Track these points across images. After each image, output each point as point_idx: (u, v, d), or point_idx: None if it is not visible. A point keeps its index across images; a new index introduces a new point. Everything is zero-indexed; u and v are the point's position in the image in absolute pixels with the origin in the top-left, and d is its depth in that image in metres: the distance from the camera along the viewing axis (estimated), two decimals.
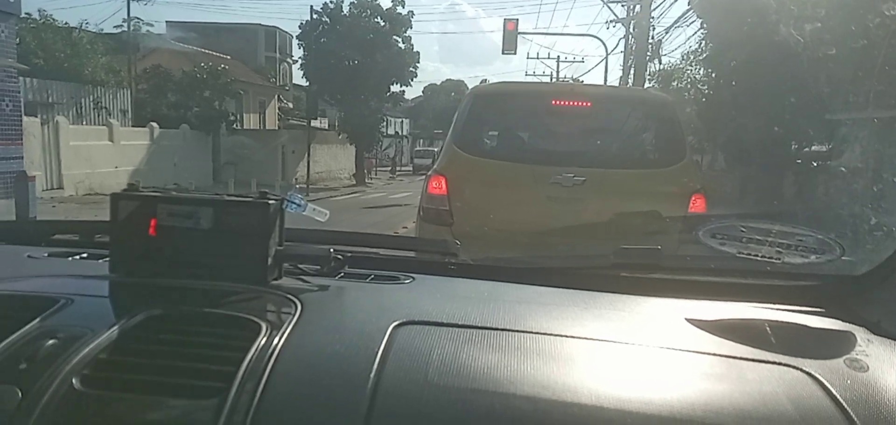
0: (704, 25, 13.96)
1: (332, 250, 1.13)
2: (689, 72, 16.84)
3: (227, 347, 0.82)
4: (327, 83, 25.83)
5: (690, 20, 15.24)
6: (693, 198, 3.81)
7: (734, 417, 0.76)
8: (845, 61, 8.88)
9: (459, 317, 0.98)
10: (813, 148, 12.80)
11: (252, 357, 0.80)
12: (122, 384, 0.76)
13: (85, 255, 1.30)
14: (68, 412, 0.72)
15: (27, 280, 1.09)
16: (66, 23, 20.06)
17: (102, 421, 0.73)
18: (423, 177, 4.81)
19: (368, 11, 26.04)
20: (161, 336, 0.86)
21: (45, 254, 1.30)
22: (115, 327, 0.86)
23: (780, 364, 0.88)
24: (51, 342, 0.80)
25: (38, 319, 0.86)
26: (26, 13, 17.25)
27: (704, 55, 14.59)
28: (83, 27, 20.74)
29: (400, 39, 26.61)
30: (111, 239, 1.10)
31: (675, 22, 16.70)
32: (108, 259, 1.13)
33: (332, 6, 25.94)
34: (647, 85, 16.91)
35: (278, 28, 39.62)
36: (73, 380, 0.75)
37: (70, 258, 1.29)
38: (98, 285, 1.06)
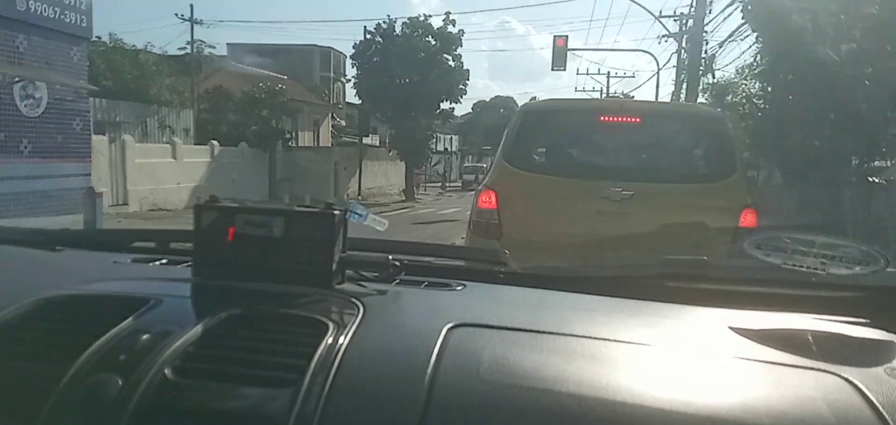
0: (759, 38, 13.61)
1: (390, 257, 1.21)
2: (743, 86, 16.42)
3: (299, 343, 0.90)
4: (379, 101, 26.26)
5: (745, 33, 14.87)
6: (744, 213, 3.76)
7: (771, 418, 0.79)
8: None
9: (509, 320, 1.03)
10: (875, 163, 12.29)
11: (321, 353, 0.87)
12: (209, 374, 0.84)
13: (165, 261, 1.41)
14: (163, 399, 0.81)
15: (119, 282, 1.21)
16: (133, 46, 21.06)
17: (192, 408, 0.81)
18: (472, 192, 4.87)
19: (420, 31, 26.37)
20: (241, 333, 0.94)
21: (129, 260, 1.41)
22: (201, 325, 0.94)
23: (819, 370, 0.90)
24: (145, 337, 0.89)
25: (132, 317, 0.95)
26: (97, 36, 18.19)
27: (760, 68, 14.20)
28: (148, 49, 21.71)
29: (450, 57, 26.83)
30: (194, 245, 1.21)
31: (730, 35, 16.29)
32: (187, 264, 1.24)
33: (385, 27, 26.42)
34: (700, 99, 16.58)
35: (333, 48, 40.62)
36: (166, 371, 0.84)
37: (151, 264, 1.41)
38: (183, 287, 1.15)
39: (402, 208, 23.31)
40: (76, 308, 1.02)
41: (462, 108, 40.72)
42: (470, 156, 49.41)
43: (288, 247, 1.16)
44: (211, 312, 0.98)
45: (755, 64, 14.21)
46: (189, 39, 25.28)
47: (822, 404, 0.82)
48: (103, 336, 0.89)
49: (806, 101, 11.07)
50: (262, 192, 21.95)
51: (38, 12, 10.87)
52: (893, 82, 8.78)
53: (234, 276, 1.14)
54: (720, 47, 17.32)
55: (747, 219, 3.76)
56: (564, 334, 0.99)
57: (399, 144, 27.35)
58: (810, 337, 1.01)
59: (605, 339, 0.98)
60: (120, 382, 0.81)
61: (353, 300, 1.08)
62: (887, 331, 1.06)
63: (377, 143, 34.03)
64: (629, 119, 4.33)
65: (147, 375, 0.82)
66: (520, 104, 7.49)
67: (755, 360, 0.93)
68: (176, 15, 25.51)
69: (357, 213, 1.23)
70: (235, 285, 1.12)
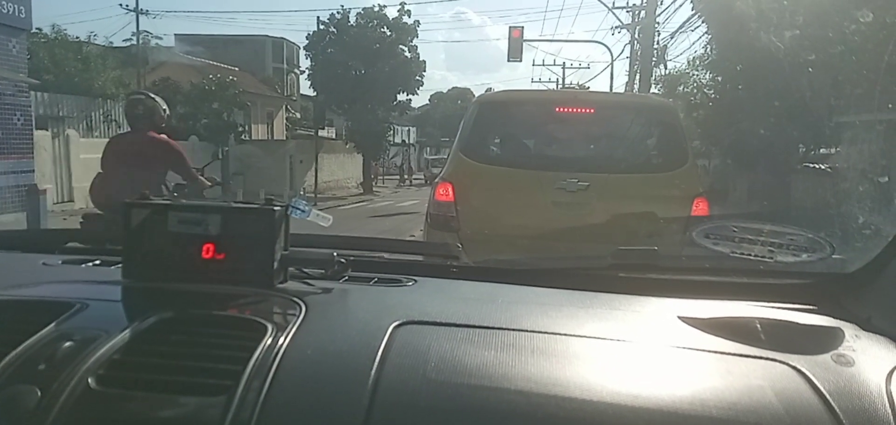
0: (710, 30, 13.94)
1: (335, 254, 1.17)
2: (695, 76, 16.80)
3: (235, 347, 0.85)
4: (334, 93, 25.96)
5: (695, 25, 15.22)
6: (695, 202, 3.84)
7: (719, 409, 0.78)
8: (851, 66, 8.89)
9: (458, 316, 1.01)
10: (821, 151, 12.76)
11: (258, 356, 0.83)
12: (135, 383, 0.79)
13: (98, 262, 1.33)
14: (85, 410, 0.76)
15: (43, 286, 1.13)
16: (77, 37, 20.31)
17: (117, 419, 0.76)
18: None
19: (375, 21, 26.17)
20: (172, 337, 0.89)
21: (60, 262, 1.34)
22: (129, 329, 0.89)
23: (767, 359, 0.90)
24: (67, 344, 0.84)
25: (54, 323, 0.90)
26: (37, 28, 17.49)
27: (710, 59, 14.55)
28: (92, 40, 20.98)
29: (406, 48, 26.73)
30: (124, 245, 1.14)
31: (681, 26, 16.65)
32: (120, 265, 1.17)
33: (338, 17, 26.10)
34: (653, 90, 16.90)
35: (285, 39, 39.87)
36: (89, 380, 0.78)
37: (83, 265, 1.33)
38: (111, 290, 1.09)
39: (360, 201, 23.13)
40: None
41: (419, 100, 40.73)
42: (429, 148, 49.34)
43: (225, 246, 1.10)
44: (140, 316, 0.93)
45: (706, 55, 14.57)
46: (134, 30, 24.53)
47: (770, 393, 0.82)
48: (21, 344, 0.84)
49: (755, 90, 11.40)
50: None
51: None
52: (835, 68, 9.12)
53: (168, 277, 1.09)
54: (672, 38, 17.71)
55: (699, 208, 3.83)
56: (514, 329, 0.97)
57: (356, 137, 27.12)
58: (758, 326, 1.01)
59: (555, 333, 0.97)
60: (38, 393, 0.76)
61: (295, 299, 1.03)
62: (833, 318, 1.07)
63: (333, 136, 33.63)
64: (583, 110, 4.37)
65: (68, 385, 0.77)
66: (476, 95, 7.50)
67: (704, 350, 0.93)
68: (120, 5, 24.66)
69: (299, 209, 1.18)
70: (168, 287, 1.07)
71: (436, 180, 4.40)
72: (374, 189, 28.19)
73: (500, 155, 4.59)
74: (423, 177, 36.11)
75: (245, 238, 1.11)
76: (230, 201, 1.18)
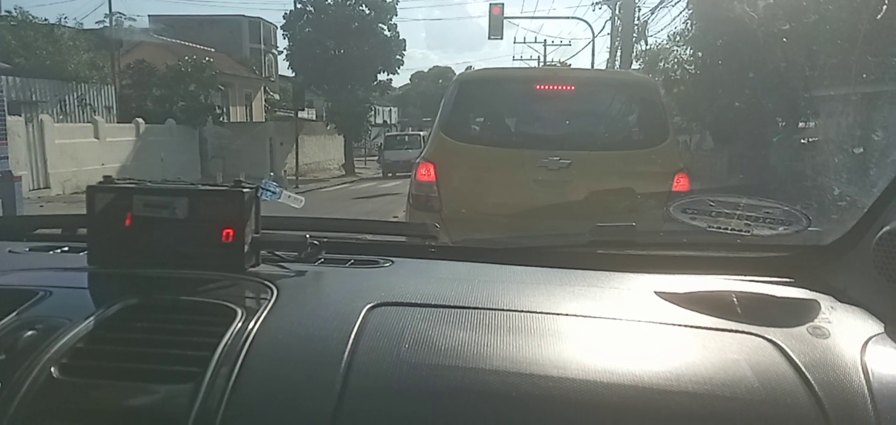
0: (690, 4, 13.95)
1: (307, 236, 1.15)
2: (675, 52, 16.81)
3: (203, 333, 0.84)
4: (313, 73, 25.69)
5: (675, 0, 15.23)
6: (677, 177, 3.85)
7: (695, 383, 0.78)
8: (826, 37, 8.96)
9: (434, 297, 0.99)
10: (799, 125, 12.88)
11: (227, 341, 0.82)
12: (99, 371, 0.78)
13: (66, 249, 1.31)
14: (48, 400, 0.74)
15: (7, 274, 1.11)
16: (46, 20, 19.83)
17: (81, 409, 0.75)
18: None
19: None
20: (138, 324, 0.87)
21: (27, 249, 1.31)
22: (93, 317, 0.87)
23: (743, 332, 0.90)
24: (29, 333, 0.82)
25: (16, 312, 0.88)
26: (7, 11, 17.05)
27: (690, 34, 14.56)
28: (63, 22, 20.49)
29: (385, 27, 26.46)
30: (89, 231, 1.12)
31: (661, 2, 16.65)
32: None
33: None
34: (634, 66, 16.90)
35: (262, 19, 39.37)
36: (52, 369, 0.77)
37: (51, 252, 1.30)
38: (76, 277, 1.07)
39: (342, 183, 22.99)
40: None
41: (400, 79, 40.34)
42: (410, 128, 49.15)
43: (193, 230, 1.08)
44: (105, 303, 0.91)
45: (686, 30, 14.58)
46: (107, 12, 24.01)
47: (745, 366, 0.82)
48: None
49: (734, 65, 11.45)
50: (194, 171, 21.18)
51: None
52: (810, 38, 9.18)
53: (134, 263, 1.06)
54: (652, 14, 17.70)
55: (680, 183, 3.84)
56: (491, 308, 0.96)
57: (336, 118, 26.87)
58: (734, 299, 1.01)
59: (531, 312, 0.96)
60: None
61: (267, 283, 1.01)
62: (809, 290, 1.07)
63: (314, 117, 33.31)
64: (564, 87, 4.35)
65: (30, 375, 0.75)
66: (457, 74, 7.47)
67: (680, 325, 0.93)
68: None
69: (269, 191, 1.15)
70: (134, 273, 1.04)
71: (417, 160, 4.37)
72: (356, 170, 28.03)
73: (482, 133, 4.56)
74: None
75: (213, 221, 1.08)
76: (197, 183, 1.15)
